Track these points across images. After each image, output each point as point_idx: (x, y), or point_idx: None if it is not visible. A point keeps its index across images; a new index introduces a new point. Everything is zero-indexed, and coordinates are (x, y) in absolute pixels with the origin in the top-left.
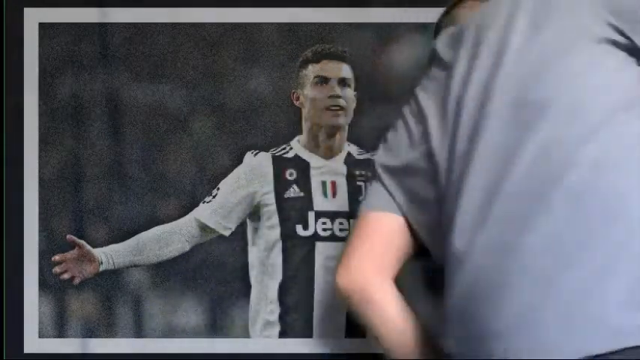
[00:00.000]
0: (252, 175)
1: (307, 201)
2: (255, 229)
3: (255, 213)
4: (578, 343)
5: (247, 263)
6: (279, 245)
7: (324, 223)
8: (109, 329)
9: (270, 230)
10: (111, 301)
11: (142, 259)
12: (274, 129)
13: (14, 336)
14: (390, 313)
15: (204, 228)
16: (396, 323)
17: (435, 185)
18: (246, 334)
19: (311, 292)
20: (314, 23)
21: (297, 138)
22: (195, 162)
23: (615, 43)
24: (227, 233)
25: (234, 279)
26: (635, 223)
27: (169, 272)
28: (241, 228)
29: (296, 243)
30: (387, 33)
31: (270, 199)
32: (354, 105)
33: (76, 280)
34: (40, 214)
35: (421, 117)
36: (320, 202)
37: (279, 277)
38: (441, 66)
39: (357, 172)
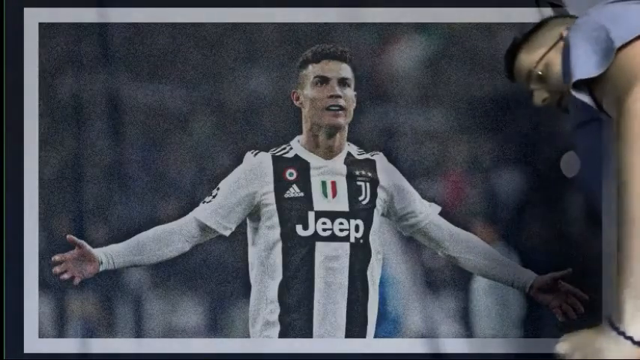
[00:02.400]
0: (252, 175)
1: (307, 201)
2: (255, 229)
3: (255, 213)
4: None
5: (247, 263)
6: (279, 245)
7: (324, 223)
8: (109, 329)
9: (270, 230)
10: (111, 301)
11: (142, 259)
12: (274, 129)
13: (14, 336)
14: None
15: (204, 228)
16: None
17: None
18: (246, 334)
19: (311, 292)
20: (314, 23)
21: (297, 138)
22: (195, 162)
23: None
24: (227, 233)
25: (234, 279)
26: None
27: (169, 272)
28: (241, 228)
29: (296, 243)
30: (387, 33)
31: (270, 199)
32: (354, 105)
33: (76, 280)
34: (40, 214)
35: None
36: (320, 202)
37: (279, 277)
38: None
39: (357, 172)
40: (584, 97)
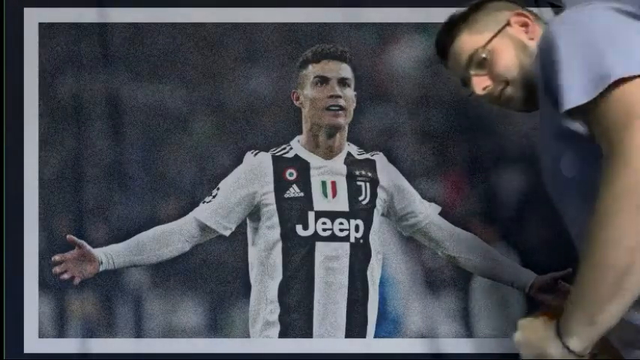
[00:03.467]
0: (252, 175)
1: (307, 201)
2: (255, 229)
3: (255, 213)
4: None
5: (247, 263)
6: (279, 245)
7: (324, 223)
8: (109, 329)
9: (270, 230)
10: (111, 301)
11: (142, 259)
12: (274, 129)
13: (14, 336)
14: None
15: (204, 228)
16: None
17: None
18: (246, 334)
19: (311, 292)
20: (314, 23)
21: (297, 138)
22: (195, 162)
23: None
24: (227, 233)
25: (234, 279)
26: None
27: (169, 272)
28: (241, 228)
29: (296, 243)
30: (387, 33)
31: (270, 199)
32: (354, 105)
33: (76, 280)
34: (40, 214)
35: None
36: (320, 202)
37: (279, 277)
38: None
39: (357, 172)
40: (574, 125)
